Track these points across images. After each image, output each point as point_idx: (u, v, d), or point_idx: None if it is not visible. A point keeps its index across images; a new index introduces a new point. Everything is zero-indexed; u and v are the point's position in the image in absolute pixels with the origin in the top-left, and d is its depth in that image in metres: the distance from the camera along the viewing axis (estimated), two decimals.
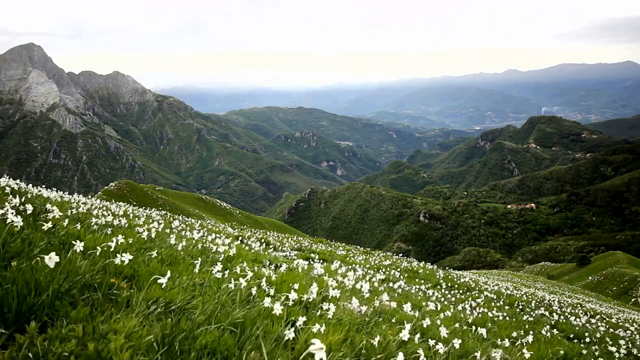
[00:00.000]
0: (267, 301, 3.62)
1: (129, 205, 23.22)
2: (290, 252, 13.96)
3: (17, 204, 5.02)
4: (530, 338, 6.47)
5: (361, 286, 6.65)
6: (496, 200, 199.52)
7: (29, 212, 4.78)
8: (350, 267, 12.16)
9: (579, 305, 19.33)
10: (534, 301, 15.96)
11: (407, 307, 5.43)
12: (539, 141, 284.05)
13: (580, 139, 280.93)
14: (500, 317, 9.69)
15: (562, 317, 12.98)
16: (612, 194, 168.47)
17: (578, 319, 13.03)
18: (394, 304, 6.07)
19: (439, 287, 14.00)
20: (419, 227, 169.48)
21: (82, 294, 3.07)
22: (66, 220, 5.26)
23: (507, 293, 16.89)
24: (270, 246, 15.16)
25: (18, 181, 10.50)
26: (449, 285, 14.81)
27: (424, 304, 7.96)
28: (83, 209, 8.40)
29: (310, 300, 4.73)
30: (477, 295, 13.66)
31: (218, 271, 4.57)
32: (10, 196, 5.91)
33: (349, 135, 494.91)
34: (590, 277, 60.03)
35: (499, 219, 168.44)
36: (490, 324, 8.11)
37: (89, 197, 19.92)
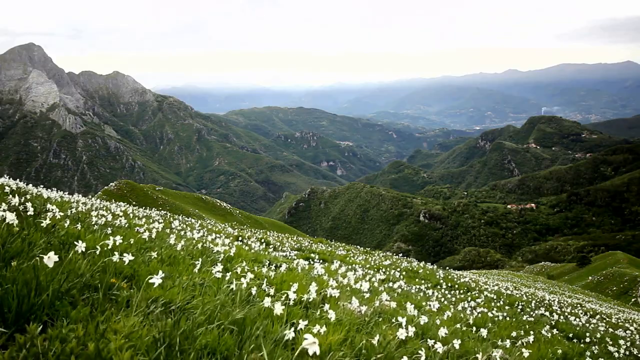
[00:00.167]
0: (267, 301, 3.62)
1: (129, 205, 23.22)
2: (290, 252, 13.96)
3: (17, 204, 5.02)
4: (530, 338, 6.48)
5: (361, 286, 6.65)
6: (496, 200, 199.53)
7: (29, 212, 4.78)
8: (350, 267, 12.16)
9: (579, 305, 19.33)
10: (534, 301, 15.96)
11: (409, 307, 5.44)
12: (539, 141, 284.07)
13: (580, 139, 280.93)
14: (500, 317, 9.69)
15: (562, 317, 12.98)
16: (612, 194, 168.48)
17: (578, 319, 13.03)
18: (394, 304, 6.07)
19: (439, 287, 14.00)
20: (419, 227, 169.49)
21: (82, 294, 3.07)
22: (66, 220, 5.26)
23: (507, 293, 16.88)
24: (270, 246, 15.16)
25: (18, 181, 10.50)
26: (449, 285, 14.81)
27: (424, 304, 7.96)
28: (83, 209, 8.40)
29: (310, 300, 4.73)
30: (477, 295, 13.66)
31: (218, 271, 4.57)
32: (10, 196, 5.91)
33: (349, 135, 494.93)
34: (590, 277, 60.02)
35: (499, 219, 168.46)
36: (490, 324, 8.10)
37: (89, 197, 19.93)
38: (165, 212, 29.22)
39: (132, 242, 5.25)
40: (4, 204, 4.31)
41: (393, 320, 5.04)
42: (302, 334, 3.47)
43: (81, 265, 3.38)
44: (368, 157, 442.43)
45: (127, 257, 3.44)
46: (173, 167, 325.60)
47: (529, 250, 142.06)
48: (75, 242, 3.23)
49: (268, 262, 8.25)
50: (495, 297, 14.06)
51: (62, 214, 5.31)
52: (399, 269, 15.57)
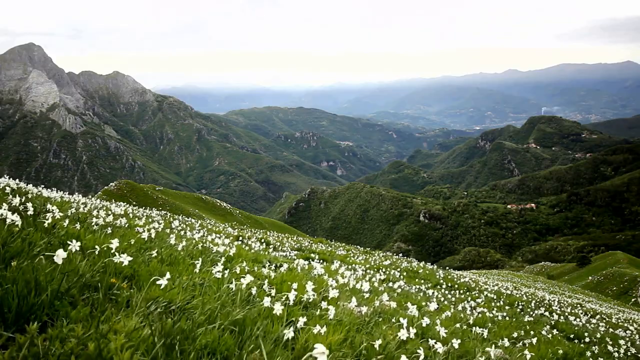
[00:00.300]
0: (267, 301, 3.62)
1: (129, 205, 23.22)
2: (290, 252, 13.96)
3: (17, 204, 5.02)
4: (533, 339, 6.47)
5: (361, 286, 6.65)
6: (496, 200, 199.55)
7: (29, 212, 4.78)
8: (350, 267, 12.17)
9: (579, 305, 19.32)
10: (534, 301, 15.96)
11: (409, 306, 5.44)
12: (539, 141, 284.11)
13: (580, 139, 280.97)
14: (500, 317, 9.69)
15: (562, 317, 12.98)
16: (612, 194, 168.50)
17: (578, 319, 13.03)
18: (394, 304, 6.07)
19: (439, 287, 14.00)
20: (419, 227, 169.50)
21: (82, 294, 3.07)
22: (66, 220, 5.26)
23: (507, 293, 16.88)
24: (270, 246, 15.16)
25: (18, 181, 10.50)
26: (449, 285, 14.81)
27: (424, 304, 7.96)
28: (83, 209, 8.40)
29: (310, 300, 4.73)
30: (477, 295, 13.67)
31: (218, 271, 4.57)
32: (11, 196, 5.91)
33: (349, 135, 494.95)
34: (590, 277, 60.02)
35: (499, 219, 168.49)
36: (490, 324, 8.10)
37: (89, 197, 19.92)
38: (165, 212, 29.24)
39: (132, 242, 5.25)
40: (4, 204, 4.31)
41: (393, 320, 5.05)
42: (302, 334, 3.48)
43: (81, 265, 3.38)
44: (368, 157, 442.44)
45: (127, 258, 3.44)
46: (173, 167, 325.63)
47: (529, 250, 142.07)
48: (69, 242, 3.21)
49: (268, 262, 8.25)
50: (495, 297, 14.06)
51: (62, 214, 5.31)
52: (399, 269, 15.57)
